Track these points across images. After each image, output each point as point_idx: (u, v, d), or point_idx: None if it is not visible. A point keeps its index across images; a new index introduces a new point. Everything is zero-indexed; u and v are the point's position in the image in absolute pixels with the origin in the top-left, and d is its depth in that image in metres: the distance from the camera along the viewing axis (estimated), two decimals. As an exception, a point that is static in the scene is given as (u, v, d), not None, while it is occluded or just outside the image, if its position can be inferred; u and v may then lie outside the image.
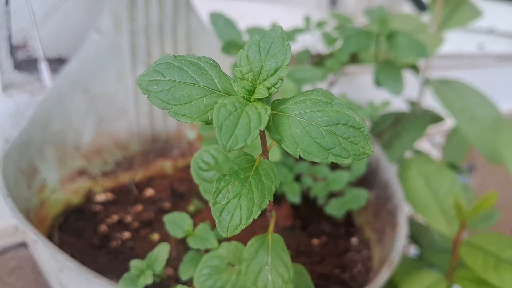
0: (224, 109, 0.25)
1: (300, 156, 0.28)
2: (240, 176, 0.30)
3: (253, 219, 0.29)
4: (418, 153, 1.00)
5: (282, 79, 0.28)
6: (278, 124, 0.28)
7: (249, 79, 0.28)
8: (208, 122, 0.27)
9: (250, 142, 0.25)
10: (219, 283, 0.40)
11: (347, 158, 0.28)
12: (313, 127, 0.28)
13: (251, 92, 0.28)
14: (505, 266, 0.63)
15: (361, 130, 0.28)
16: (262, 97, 0.28)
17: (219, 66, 0.30)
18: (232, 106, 0.26)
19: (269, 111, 0.26)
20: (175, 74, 0.28)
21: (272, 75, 0.28)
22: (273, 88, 0.28)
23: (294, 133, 0.28)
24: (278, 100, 0.30)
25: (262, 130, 0.26)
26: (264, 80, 0.28)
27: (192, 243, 0.43)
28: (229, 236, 0.29)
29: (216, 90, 0.28)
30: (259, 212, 0.30)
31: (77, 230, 0.62)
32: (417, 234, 0.93)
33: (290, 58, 0.28)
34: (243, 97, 0.28)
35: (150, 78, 0.28)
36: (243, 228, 0.29)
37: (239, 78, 0.29)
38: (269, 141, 0.32)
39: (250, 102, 0.28)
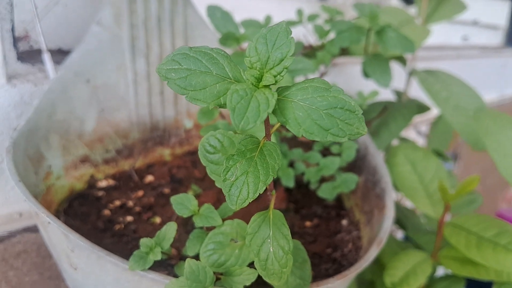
0: (236, 94, 0.29)
1: (302, 135, 0.31)
2: (247, 155, 0.34)
3: (259, 193, 0.33)
4: (404, 141, 1.05)
5: (286, 68, 0.31)
6: (283, 108, 0.32)
7: (257, 68, 0.32)
8: (221, 106, 0.31)
9: (260, 123, 0.28)
10: (223, 257, 0.44)
11: (343, 137, 0.31)
12: (314, 110, 0.31)
13: (259, 79, 0.32)
14: (486, 244, 0.67)
15: (356, 113, 0.32)
16: (269, 84, 0.31)
17: (230, 56, 0.33)
18: (243, 92, 0.29)
19: (275, 96, 0.30)
20: (191, 63, 0.32)
21: (278, 65, 0.32)
22: (278, 76, 0.32)
23: (297, 116, 0.31)
24: (282, 87, 0.33)
25: (270, 112, 0.29)
26: (271, 69, 0.32)
27: (197, 221, 0.46)
28: (237, 209, 0.33)
29: (228, 78, 0.32)
30: (264, 187, 0.33)
31: (81, 214, 0.65)
32: (403, 218, 0.97)
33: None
34: (252, 84, 0.31)
35: (168, 66, 0.32)
36: (250, 201, 0.33)
37: (248, 67, 0.32)
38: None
39: (259, 88, 0.31)
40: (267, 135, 0.36)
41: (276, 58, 0.32)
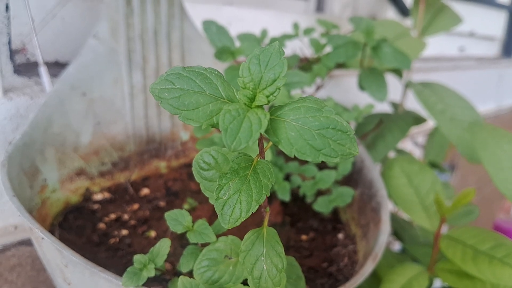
0: (229, 115, 0.29)
1: (295, 155, 0.31)
2: (240, 174, 0.34)
3: (252, 212, 0.33)
4: (401, 152, 1.05)
5: (279, 88, 0.32)
6: (276, 128, 0.32)
7: (250, 88, 0.32)
8: (214, 126, 0.31)
9: (252, 143, 0.28)
10: (217, 274, 0.44)
11: (335, 157, 0.31)
12: (306, 130, 0.32)
13: (252, 99, 0.32)
14: (482, 257, 0.67)
15: (347, 133, 0.32)
16: (262, 104, 0.31)
17: (223, 76, 0.33)
18: (236, 112, 0.29)
19: (268, 116, 0.30)
20: (184, 83, 0.32)
21: (270, 85, 0.32)
22: (271, 96, 0.32)
23: (289, 136, 0.31)
24: (275, 106, 0.33)
25: (262, 132, 0.29)
26: (264, 89, 0.32)
27: (192, 238, 0.46)
28: (230, 228, 0.33)
29: (221, 98, 0.32)
30: (257, 206, 0.33)
31: (76, 228, 0.65)
32: (400, 230, 0.97)
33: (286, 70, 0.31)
34: (245, 104, 0.32)
35: (162, 86, 0.32)
36: (243, 221, 0.33)
37: (241, 87, 0.32)
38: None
39: (251, 108, 0.31)
40: (261, 153, 0.36)
41: (269, 78, 0.32)
